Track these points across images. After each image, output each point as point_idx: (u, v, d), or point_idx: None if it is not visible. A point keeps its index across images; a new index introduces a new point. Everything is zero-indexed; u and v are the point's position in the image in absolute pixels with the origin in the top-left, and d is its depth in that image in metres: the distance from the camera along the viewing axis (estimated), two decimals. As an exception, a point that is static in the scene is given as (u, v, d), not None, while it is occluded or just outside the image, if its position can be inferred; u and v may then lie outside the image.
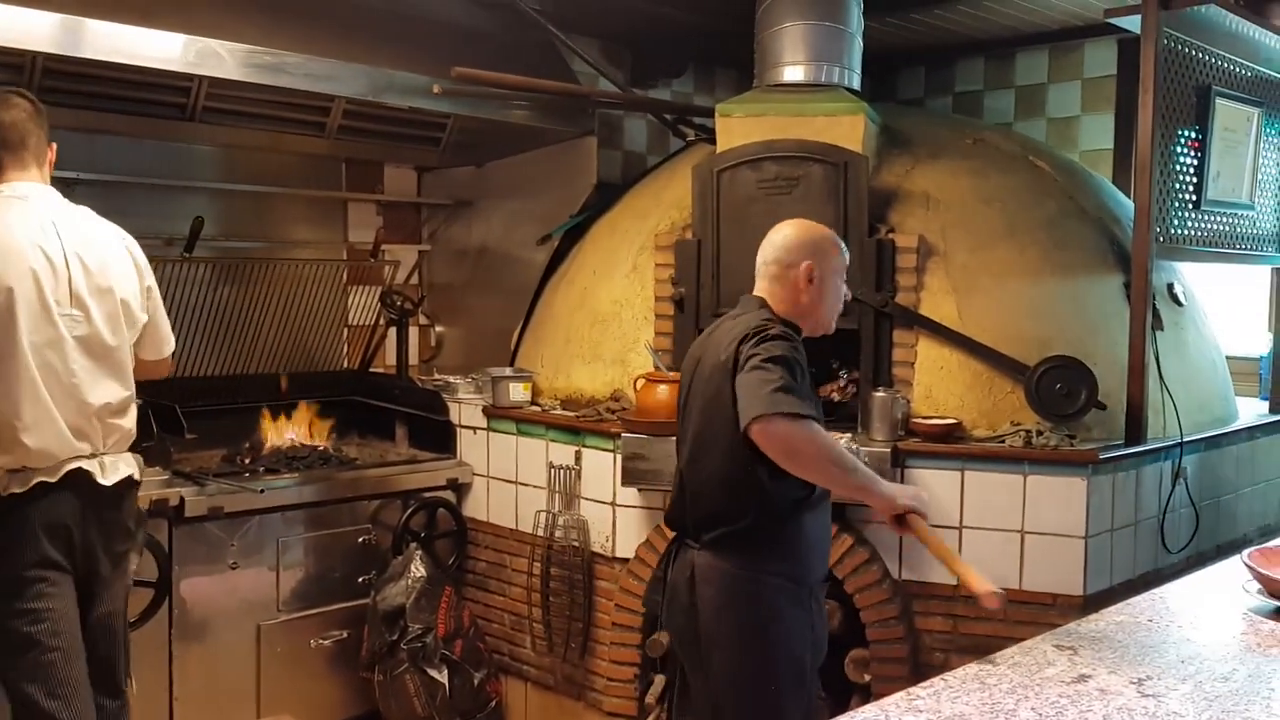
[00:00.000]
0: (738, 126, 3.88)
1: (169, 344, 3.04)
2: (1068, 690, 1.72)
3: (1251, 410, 4.53)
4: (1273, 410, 4.52)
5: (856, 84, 4.00)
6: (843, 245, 2.75)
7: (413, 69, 3.99)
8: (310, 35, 3.94)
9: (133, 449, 2.91)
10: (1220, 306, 5.15)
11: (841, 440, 3.33)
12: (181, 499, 3.65)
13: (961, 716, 1.62)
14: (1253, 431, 4.23)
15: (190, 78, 3.79)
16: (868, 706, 1.65)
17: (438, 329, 5.15)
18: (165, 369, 3.09)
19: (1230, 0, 3.60)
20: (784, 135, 3.77)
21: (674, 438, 3.54)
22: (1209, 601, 2.24)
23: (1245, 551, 2.28)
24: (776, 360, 2.37)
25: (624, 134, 5.53)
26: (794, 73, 3.94)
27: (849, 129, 3.78)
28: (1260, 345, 4.84)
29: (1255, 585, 2.18)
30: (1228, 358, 4.90)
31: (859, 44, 4.04)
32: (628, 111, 5.40)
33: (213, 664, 3.81)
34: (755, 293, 2.70)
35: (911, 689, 1.72)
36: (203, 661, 3.78)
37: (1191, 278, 5.09)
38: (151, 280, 2.95)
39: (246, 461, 4.19)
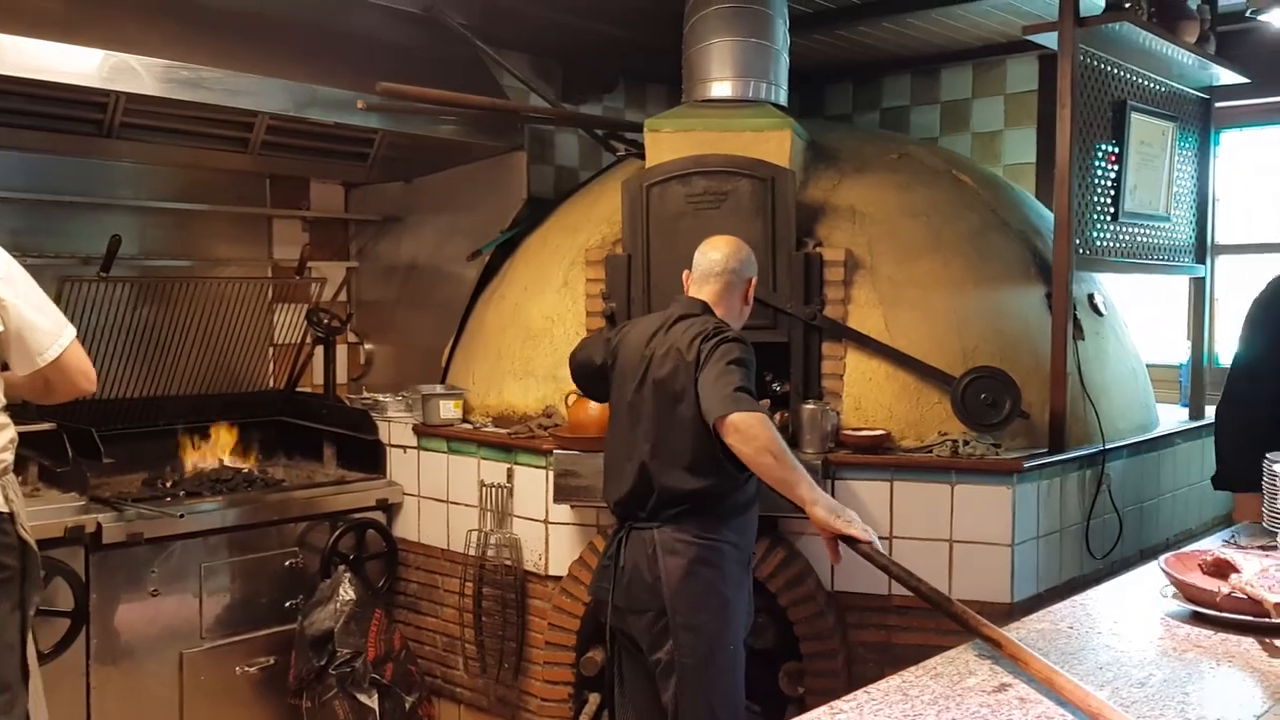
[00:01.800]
0: (666, 141, 3.89)
1: (44, 356, 2.65)
2: (988, 700, 1.73)
3: (1172, 417, 4.64)
4: (1192, 417, 4.62)
5: (783, 100, 4.03)
6: None
7: (338, 84, 3.94)
8: (233, 51, 3.87)
9: (48, 478, 2.77)
10: (1141, 316, 5.28)
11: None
12: (99, 525, 3.54)
13: (884, 729, 1.62)
14: (1173, 438, 4.32)
15: (106, 93, 3.71)
16: (799, 718, 1.64)
17: (367, 347, 5.08)
18: (64, 387, 2.74)
19: (1141, 18, 3.69)
20: (712, 150, 3.78)
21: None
22: (1129, 607, 2.27)
23: (1162, 557, 2.31)
24: (737, 363, 2.69)
25: (555, 149, 5.52)
26: (721, 88, 3.95)
27: (776, 144, 3.80)
28: (1179, 354, 4.96)
29: (1171, 590, 2.22)
30: (1148, 366, 5.02)
31: (785, 60, 4.07)
32: (558, 127, 5.40)
33: (133, 694, 3.70)
34: (698, 296, 2.95)
35: (834, 702, 1.71)
36: (123, 691, 3.67)
37: (1112, 288, 5.21)
38: (5, 290, 2.64)
39: (168, 485, 4.08)
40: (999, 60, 5.43)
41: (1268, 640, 2.00)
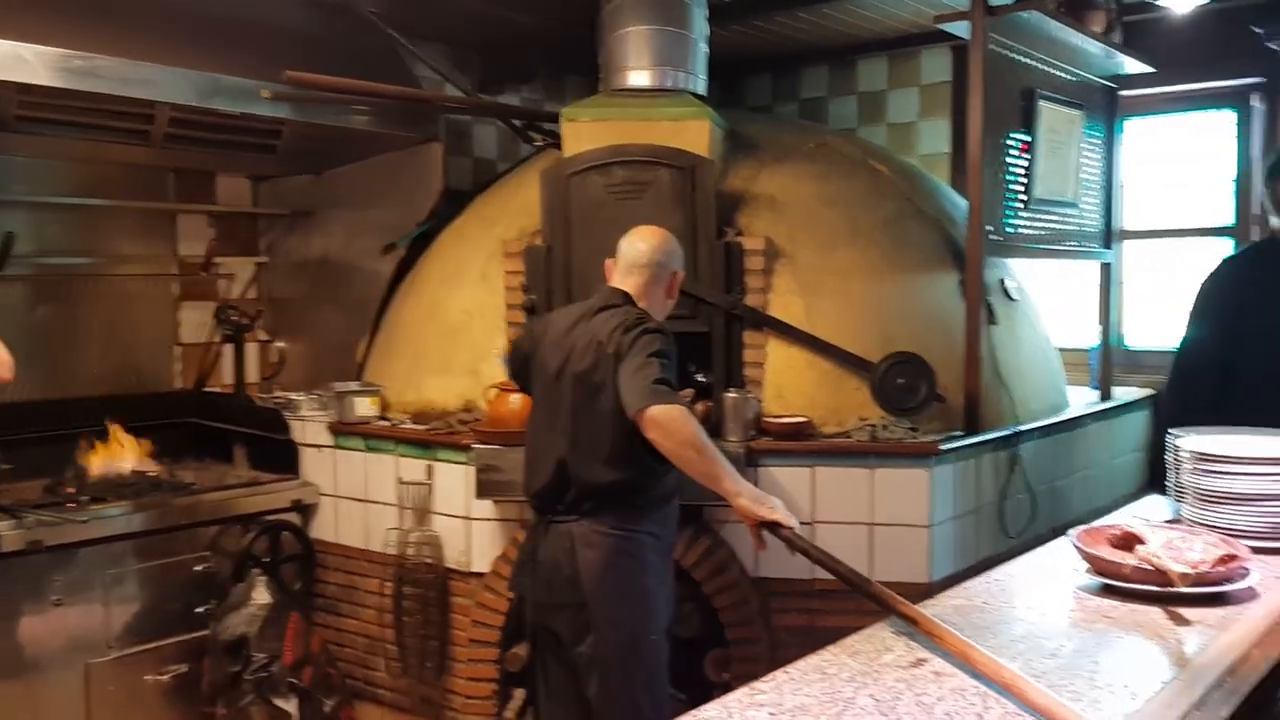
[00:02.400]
0: (584, 131, 3.85)
1: None
2: (905, 675, 1.73)
3: (1083, 399, 4.74)
4: (1103, 398, 4.73)
5: (702, 89, 4.02)
6: None
7: (242, 73, 3.82)
8: (134, 39, 3.73)
9: None
10: (1053, 301, 5.39)
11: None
12: (-3, 533, 3.39)
13: (803, 708, 1.60)
14: (1083, 419, 4.41)
15: (6, 84, 3.55)
16: (710, 705, 1.62)
17: (279, 345, 4.95)
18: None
19: (1050, 7, 3.75)
20: (630, 140, 3.75)
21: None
22: (1042, 581, 2.30)
23: (1073, 532, 2.34)
24: (658, 355, 2.63)
25: (473, 140, 5.44)
26: (639, 78, 3.93)
27: (695, 133, 3.79)
28: (1091, 337, 5.07)
29: (1083, 564, 2.25)
30: (1060, 349, 5.12)
31: (703, 50, 4.06)
32: (475, 117, 5.33)
33: (37, 707, 3.56)
34: (621, 287, 2.88)
35: (755, 683, 1.70)
36: (25, 705, 3.52)
37: (1025, 274, 5.31)
38: None
39: (71, 491, 3.93)
40: (914, 51, 5.48)
41: (1173, 609, 2.03)
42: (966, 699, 1.64)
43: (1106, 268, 4.75)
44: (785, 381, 3.68)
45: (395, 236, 4.43)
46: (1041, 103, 4.00)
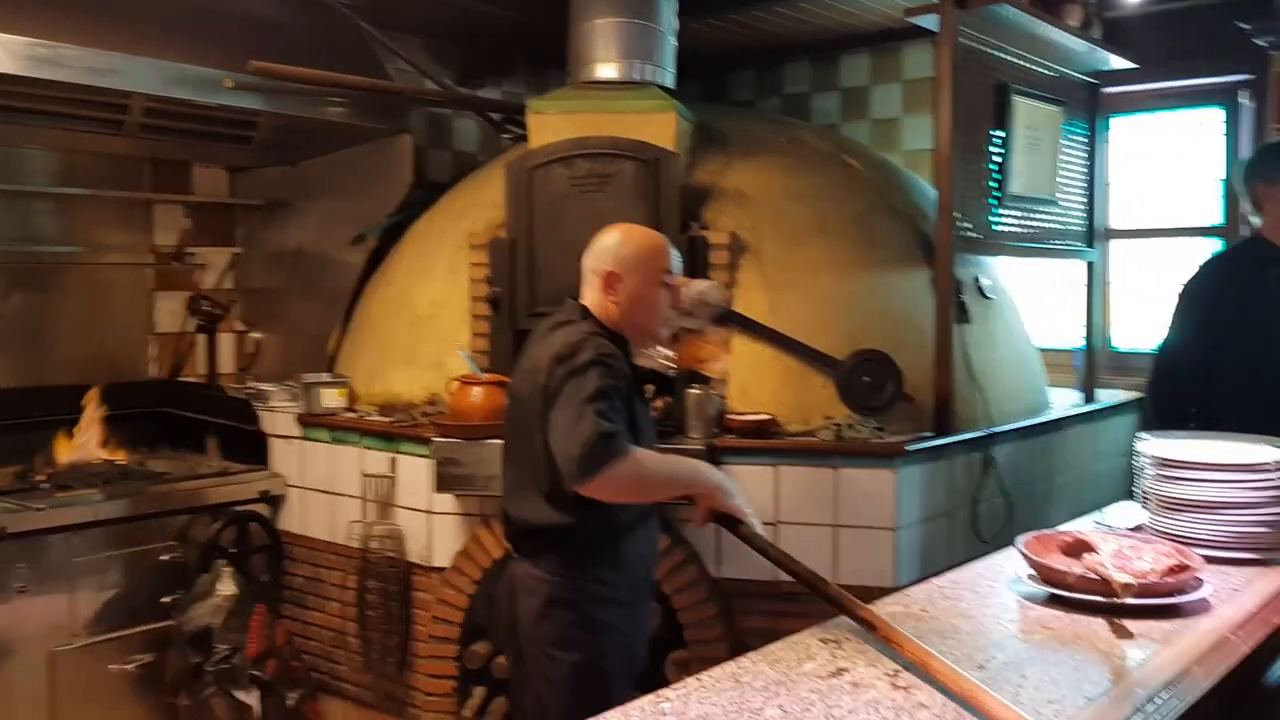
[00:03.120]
0: (551, 123, 3.82)
1: None
2: (820, 685, 1.69)
3: (1067, 401, 4.68)
4: (1086, 400, 4.67)
5: (670, 82, 3.98)
6: (669, 251, 2.58)
7: (207, 63, 3.79)
8: (102, 28, 3.71)
9: None
10: (1041, 301, 5.34)
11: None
12: (-44, 521, 3.39)
13: (706, 717, 1.57)
14: (1063, 421, 4.36)
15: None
16: (612, 713, 1.59)
17: (254, 336, 4.93)
18: None
19: (1023, 0, 3.69)
20: (596, 132, 3.72)
21: (489, 440, 3.51)
22: (988, 588, 2.26)
23: (1020, 537, 2.31)
24: (593, 397, 2.27)
25: (453, 134, 5.42)
26: (607, 70, 3.89)
27: (660, 126, 3.75)
28: (1077, 338, 5.01)
29: (1029, 571, 2.21)
30: (1045, 350, 5.06)
31: (672, 43, 4.01)
32: (456, 111, 5.30)
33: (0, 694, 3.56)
34: (581, 299, 2.59)
35: (662, 690, 1.67)
36: (-13, 692, 3.53)
37: (1011, 273, 5.25)
38: None
39: (39, 479, 3.92)
40: (896, 47, 5.42)
41: (1117, 621, 1.99)
42: (880, 712, 1.60)
43: (1090, 267, 4.69)
44: (750, 378, 3.64)
45: (365, 228, 4.39)
46: (1016, 98, 3.94)
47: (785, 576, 3.39)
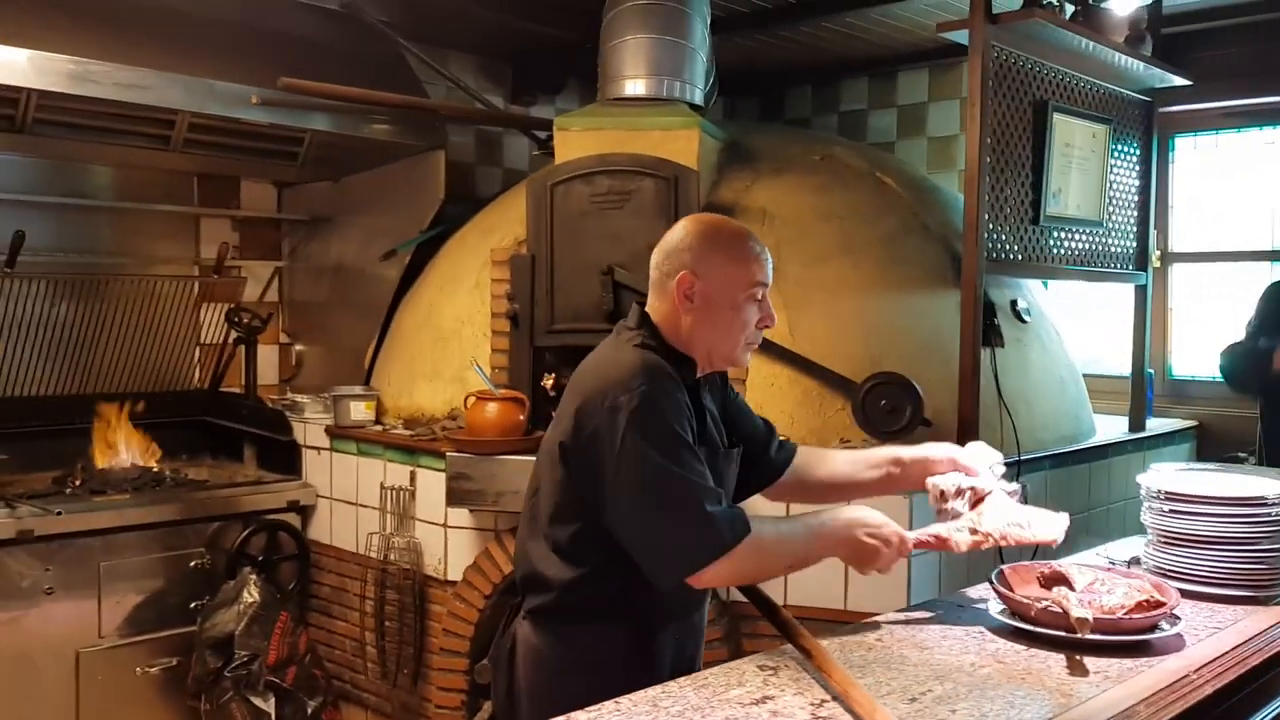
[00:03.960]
0: (575, 140, 3.82)
1: None
2: (738, 712, 1.63)
3: (1118, 429, 4.49)
4: (1132, 429, 4.48)
5: (698, 99, 3.95)
6: (758, 250, 2.03)
7: (240, 79, 3.89)
8: (141, 47, 3.85)
9: None
10: (1102, 326, 5.15)
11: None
12: (-14, 521, 3.51)
13: (609, 742, 1.53)
14: (1104, 450, 4.18)
15: (19, 90, 3.69)
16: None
17: (298, 348, 5.03)
18: None
19: (1057, 15, 3.57)
20: (620, 149, 3.71)
21: (501, 456, 3.51)
22: (960, 618, 2.16)
23: (996, 569, 2.21)
24: (656, 471, 1.79)
25: (503, 150, 5.48)
26: (634, 86, 3.88)
27: (684, 143, 3.72)
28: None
29: (999, 605, 2.11)
30: (1097, 376, 4.88)
31: (702, 59, 3.98)
32: (505, 128, 5.36)
33: (27, 693, 3.67)
34: (647, 306, 2.07)
35: (574, 714, 1.63)
36: (15, 691, 3.64)
37: (1067, 297, 5.08)
38: None
39: (77, 483, 4.05)
40: (954, 63, 5.30)
41: (1076, 657, 1.89)
42: (791, 743, 1.54)
43: (1141, 290, 4.50)
44: (766, 399, 3.57)
45: (399, 243, 4.46)
46: (1056, 115, 3.80)
47: (795, 601, 3.37)
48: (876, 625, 2.12)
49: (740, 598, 3.38)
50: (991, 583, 2.11)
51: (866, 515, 2.04)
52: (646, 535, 1.84)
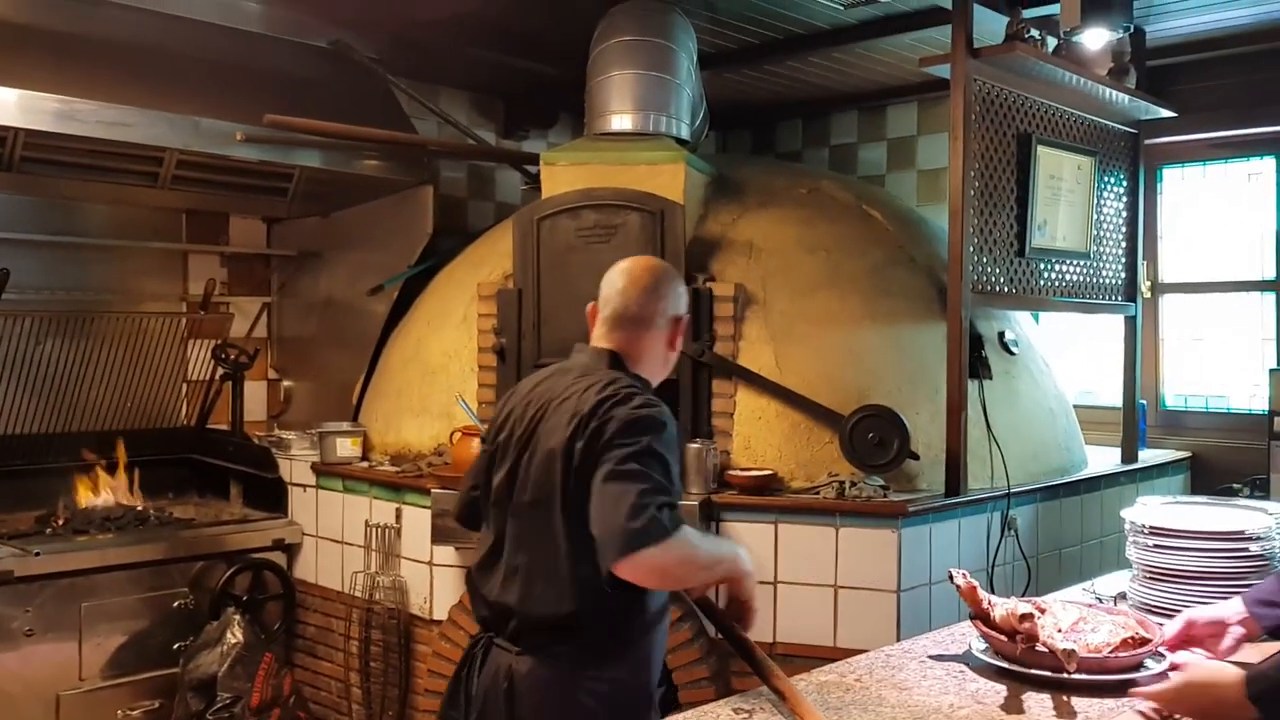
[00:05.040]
0: (562, 175, 3.82)
1: None
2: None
3: (1111, 461, 4.46)
4: (1124, 460, 4.45)
5: (685, 133, 3.95)
6: None
7: (225, 116, 3.90)
8: (128, 85, 3.86)
9: None
10: (1086, 357, 5.14)
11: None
12: (-38, 562, 3.47)
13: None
14: (1096, 482, 4.14)
15: (7, 129, 3.70)
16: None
17: (286, 384, 5.01)
18: None
19: (1039, 49, 3.58)
20: (606, 184, 3.71)
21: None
22: (942, 658, 2.13)
23: (953, 571, 2.17)
24: (648, 458, 1.94)
25: (495, 185, 5.49)
26: (621, 121, 3.89)
27: (670, 177, 3.72)
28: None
29: (981, 644, 2.07)
30: (1091, 407, 4.85)
31: (689, 94, 3.99)
32: (497, 163, 5.37)
33: (6, 736, 3.62)
34: (605, 346, 2.19)
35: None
36: (-7, 733, 3.59)
37: (1061, 328, 5.06)
38: None
39: (59, 523, 4.02)
40: (943, 96, 5.28)
41: (1064, 698, 1.85)
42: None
43: (1131, 321, 4.48)
44: (754, 433, 3.55)
45: (387, 278, 4.45)
46: (1040, 148, 3.81)
47: (783, 638, 3.34)
48: (855, 664, 2.08)
49: (729, 635, 3.37)
50: (975, 621, 2.08)
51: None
52: (603, 510, 1.92)
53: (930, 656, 2.12)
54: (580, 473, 1.99)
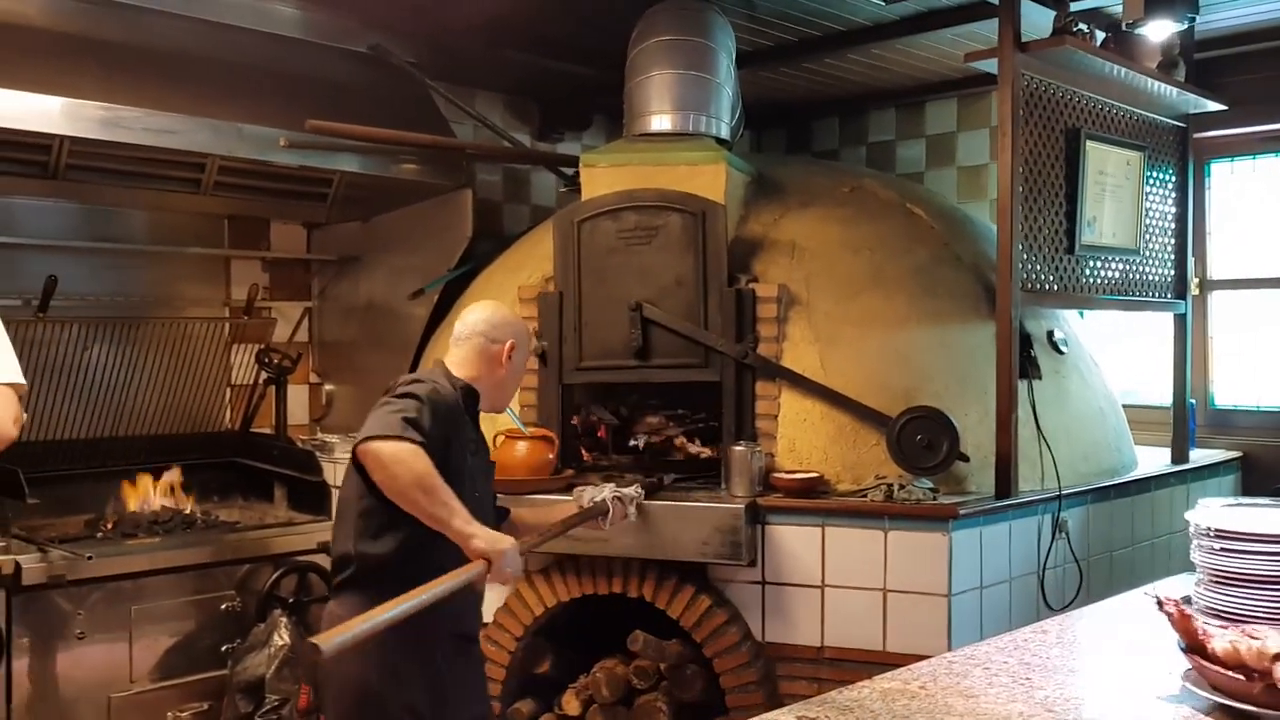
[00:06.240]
0: (602, 176, 3.81)
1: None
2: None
3: (1164, 461, 4.39)
4: (1174, 460, 4.38)
5: (725, 133, 3.93)
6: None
7: (267, 122, 3.92)
8: (171, 92, 3.88)
9: None
10: (1134, 356, 5.06)
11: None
12: (17, 566, 3.50)
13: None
14: (1147, 483, 4.08)
15: (51, 137, 3.73)
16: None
17: (328, 388, 5.03)
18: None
19: (1088, 42, 3.53)
20: (646, 185, 3.69)
21: (532, 496, 3.48)
22: (1001, 665, 2.09)
23: (1161, 597, 2.00)
24: (407, 395, 2.53)
25: (531, 188, 5.48)
26: (660, 122, 3.87)
27: (711, 178, 3.70)
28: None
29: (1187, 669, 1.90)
30: (1147, 407, 4.77)
31: (728, 94, 3.97)
32: (533, 165, 5.37)
33: (58, 740, 3.65)
34: (447, 361, 2.82)
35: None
36: (46, 738, 3.62)
37: (1106, 326, 4.99)
38: None
39: (108, 527, 4.05)
40: (984, 92, 5.27)
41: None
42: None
43: (1181, 319, 4.41)
44: (798, 435, 3.52)
45: (427, 281, 4.45)
46: (1089, 143, 3.75)
47: (832, 642, 3.31)
48: (918, 670, 2.05)
49: (779, 639, 3.35)
50: (1188, 653, 1.90)
51: (489, 534, 2.51)
52: (370, 418, 2.51)
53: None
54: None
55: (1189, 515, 2.38)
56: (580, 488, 3.22)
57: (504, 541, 2.49)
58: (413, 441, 2.41)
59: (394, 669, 2.54)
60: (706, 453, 3.72)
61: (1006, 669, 2.05)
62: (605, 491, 3.12)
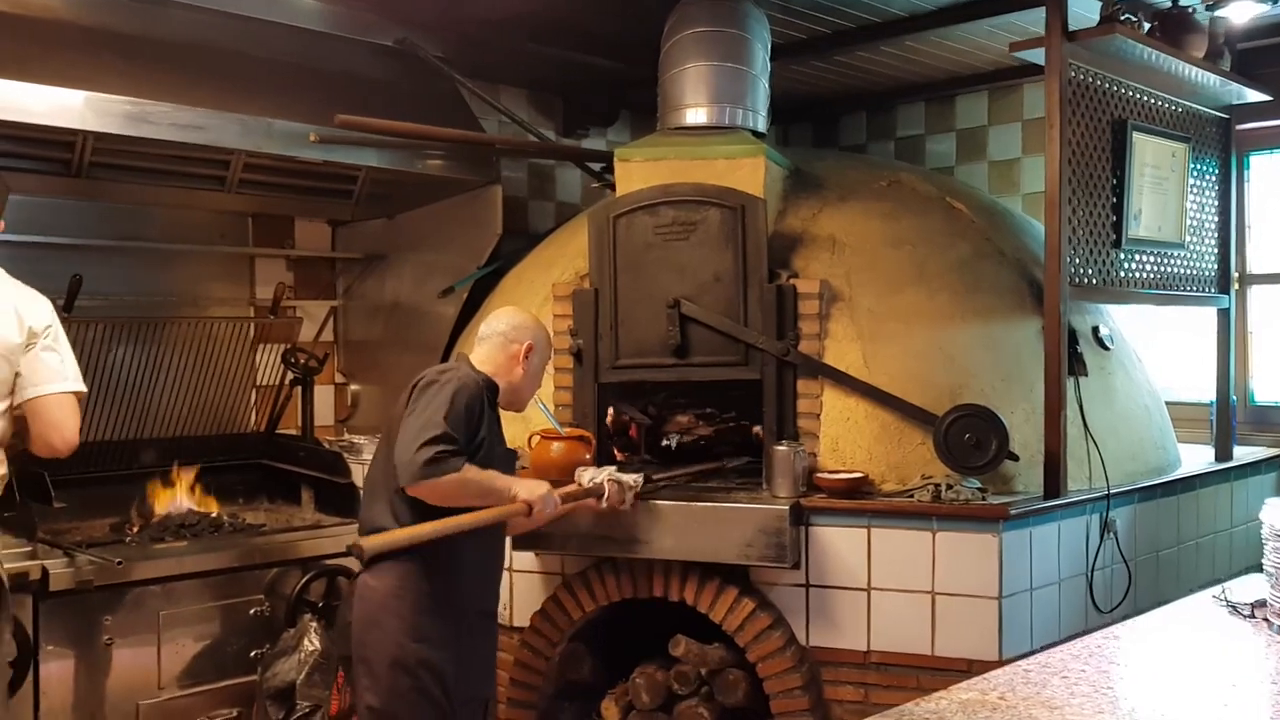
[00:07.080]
0: (637, 171, 3.73)
1: (29, 391, 2.80)
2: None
3: (1203, 459, 4.31)
4: (1218, 458, 4.29)
5: (762, 126, 3.85)
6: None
7: (295, 117, 3.84)
8: (197, 86, 3.81)
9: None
10: (1172, 351, 4.97)
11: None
12: (45, 571, 3.43)
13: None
14: (1192, 481, 4.00)
15: (75, 133, 3.66)
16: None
17: (353, 388, 4.96)
18: (37, 431, 2.83)
19: (1137, 30, 3.45)
20: (683, 179, 3.62)
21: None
22: (1079, 674, 2.01)
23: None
24: (443, 405, 2.72)
25: (556, 184, 5.41)
26: (696, 115, 3.79)
27: (750, 171, 3.62)
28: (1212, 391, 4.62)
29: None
30: (1180, 404, 4.69)
31: (764, 86, 3.89)
32: (559, 161, 5.29)
33: (86, 747, 3.58)
34: (470, 355, 3.05)
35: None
36: (75, 745, 3.55)
37: (1143, 321, 4.90)
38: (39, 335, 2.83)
39: (135, 530, 3.99)
40: (1015, 85, 5.19)
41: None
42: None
43: (1224, 314, 4.32)
44: (842, 434, 3.44)
45: (456, 279, 4.38)
46: (1136, 135, 3.67)
47: (878, 646, 3.23)
48: (995, 680, 1.97)
49: (824, 643, 3.27)
50: None
51: (525, 483, 2.92)
52: (404, 444, 2.70)
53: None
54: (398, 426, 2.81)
55: (1264, 516, 2.31)
56: (581, 468, 3.32)
57: (542, 487, 2.87)
58: (450, 471, 2.66)
59: (425, 634, 2.77)
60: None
61: (1085, 677, 1.97)
62: (604, 474, 3.25)
